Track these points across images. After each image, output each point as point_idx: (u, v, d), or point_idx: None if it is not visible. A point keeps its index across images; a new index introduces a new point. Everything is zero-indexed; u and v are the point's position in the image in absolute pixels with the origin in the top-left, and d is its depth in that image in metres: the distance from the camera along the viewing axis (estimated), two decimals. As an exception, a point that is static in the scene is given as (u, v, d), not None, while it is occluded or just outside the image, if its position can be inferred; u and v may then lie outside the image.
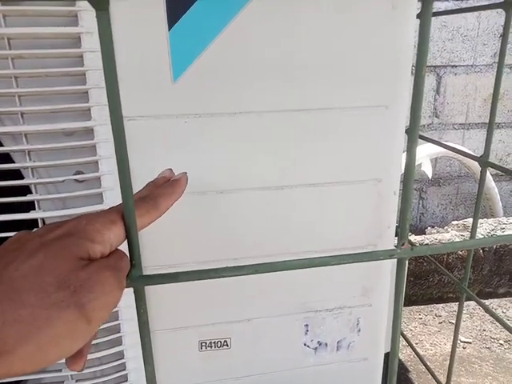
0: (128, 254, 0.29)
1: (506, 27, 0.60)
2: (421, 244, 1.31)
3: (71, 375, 0.52)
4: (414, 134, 0.29)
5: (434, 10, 1.46)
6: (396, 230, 0.58)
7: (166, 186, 0.35)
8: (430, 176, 1.48)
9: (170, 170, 0.39)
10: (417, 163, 1.43)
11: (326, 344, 0.58)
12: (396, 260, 0.34)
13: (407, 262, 0.91)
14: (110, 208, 0.30)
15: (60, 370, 0.52)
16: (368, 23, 0.47)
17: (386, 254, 0.34)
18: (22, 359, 0.22)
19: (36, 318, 0.22)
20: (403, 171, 0.31)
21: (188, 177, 0.49)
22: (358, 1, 0.47)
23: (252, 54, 0.46)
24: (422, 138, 0.79)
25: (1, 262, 0.24)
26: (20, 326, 0.22)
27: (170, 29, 0.43)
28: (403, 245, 0.33)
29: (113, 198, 0.45)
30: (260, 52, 0.46)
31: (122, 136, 0.26)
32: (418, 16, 0.55)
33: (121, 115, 0.25)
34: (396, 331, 0.35)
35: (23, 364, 0.22)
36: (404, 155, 0.59)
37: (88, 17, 0.41)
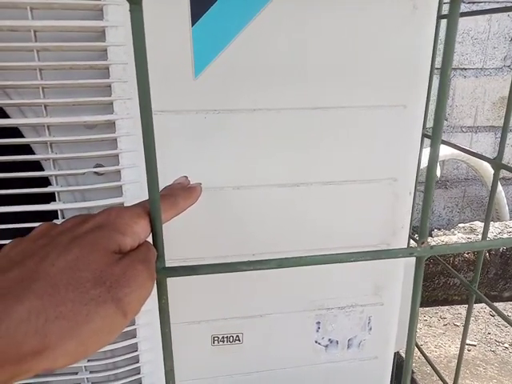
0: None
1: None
2: (427, 246, 1.31)
3: (85, 366, 0.53)
4: (437, 135, 0.30)
5: (445, 13, 1.45)
6: (410, 230, 0.58)
7: (184, 190, 0.36)
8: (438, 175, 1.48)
9: (186, 177, 0.41)
10: (424, 166, 1.43)
11: (337, 342, 0.58)
12: (411, 259, 0.34)
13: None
14: (134, 204, 0.31)
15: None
16: (388, 22, 0.48)
17: (406, 252, 0.34)
18: (65, 354, 0.22)
19: (76, 314, 0.22)
20: (425, 171, 0.32)
21: (206, 172, 0.49)
22: (379, 1, 0.47)
23: (273, 52, 0.46)
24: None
25: (34, 257, 0.24)
26: (62, 323, 0.22)
27: (193, 25, 0.43)
28: (423, 243, 0.33)
29: (132, 191, 0.46)
30: (280, 50, 0.46)
31: (150, 130, 0.27)
32: (436, 18, 0.55)
33: (150, 109, 0.26)
34: (412, 330, 0.35)
35: (65, 359, 0.22)
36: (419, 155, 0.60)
37: (113, 11, 0.42)
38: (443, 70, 0.27)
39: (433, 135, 0.29)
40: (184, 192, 0.36)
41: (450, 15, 0.27)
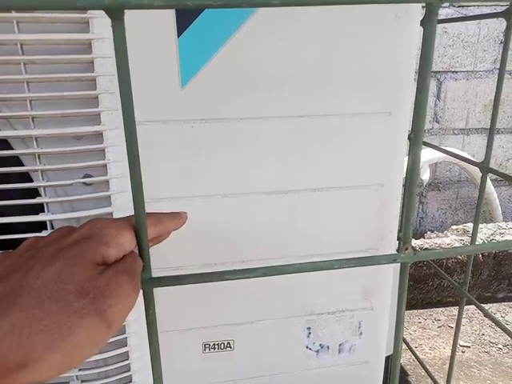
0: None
1: (507, 36, 0.61)
2: (420, 248, 1.32)
3: (76, 376, 0.53)
4: (417, 140, 0.30)
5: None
6: (398, 234, 0.59)
7: (170, 213, 0.37)
8: (425, 181, 1.49)
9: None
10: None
11: (328, 347, 0.59)
12: (398, 264, 0.34)
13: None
14: (121, 217, 0.31)
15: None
16: (372, 32, 0.48)
17: (390, 259, 0.35)
18: (50, 367, 0.22)
19: (60, 326, 0.23)
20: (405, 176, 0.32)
21: (194, 180, 0.50)
22: (362, 10, 0.48)
23: (258, 61, 0.47)
24: (424, 143, 0.80)
25: (20, 271, 0.25)
26: (46, 336, 0.22)
27: (179, 36, 0.44)
28: (406, 249, 0.34)
29: (121, 200, 0.46)
30: (266, 59, 0.47)
31: (134, 142, 0.27)
32: (421, 23, 0.56)
33: (133, 122, 0.26)
34: (399, 334, 0.36)
35: (51, 371, 0.23)
36: (406, 160, 0.60)
37: (99, 23, 0.42)
38: (421, 80, 0.28)
39: (413, 142, 0.30)
40: (170, 215, 0.37)
41: (427, 25, 0.28)
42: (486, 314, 0.68)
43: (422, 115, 0.29)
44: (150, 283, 0.30)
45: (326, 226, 0.54)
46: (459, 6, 1.59)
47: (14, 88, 0.42)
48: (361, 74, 0.49)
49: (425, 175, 1.45)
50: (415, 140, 0.30)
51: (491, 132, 0.64)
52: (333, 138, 0.51)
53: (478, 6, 1.58)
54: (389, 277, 0.59)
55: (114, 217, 0.48)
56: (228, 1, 0.25)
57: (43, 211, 0.46)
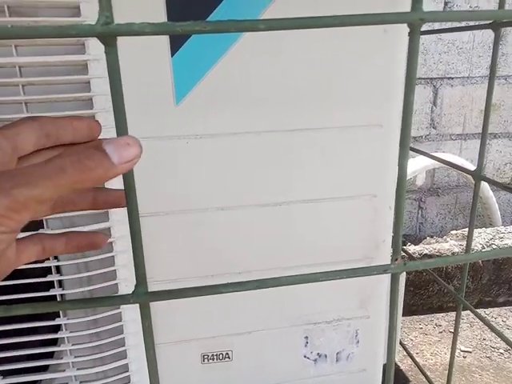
0: (134, 270, 0.31)
1: (495, 46, 0.62)
2: (420, 254, 1.33)
3: (77, 388, 0.54)
4: (404, 151, 0.31)
5: (428, 27, 1.48)
6: (392, 242, 0.59)
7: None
8: (418, 185, 1.50)
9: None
10: (414, 175, 1.46)
11: (326, 355, 0.59)
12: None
13: (405, 273, 0.93)
14: None
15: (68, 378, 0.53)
16: (361, 46, 0.50)
17: (380, 269, 0.35)
18: None
19: None
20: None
21: (190, 194, 0.50)
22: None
23: (251, 78, 0.48)
24: (416, 151, 0.81)
25: None
26: None
27: (172, 55, 0.45)
28: (396, 260, 0.35)
29: (117, 215, 0.47)
30: (258, 76, 0.48)
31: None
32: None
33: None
34: (391, 344, 0.36)
35: None
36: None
37: (94, 45, 0.43)
38: (407, 91, 0.29)
39: (400, 153, 0.31)
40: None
41: (410, 45, 0.29)
42: (482, 320, 0.69)
43: (407, 128, 0.30)
44: (146, 297, 0.30)
45: (321, 236, 0.55)
46: (453, 13, 1.61)
47: (13, 109, 0.44)
48: (351, 87, 0.51)
49: (418, 180, 1.46)
50: (402, 151, 0.31)
51: (483, 140, 0.65)
52: (325, 150, 0.52)
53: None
54: (385, 285, 0.60)
55: (112, 230, 0.49)
56: (216, 26, 0.26)
57: (42, 227, 0.48)
